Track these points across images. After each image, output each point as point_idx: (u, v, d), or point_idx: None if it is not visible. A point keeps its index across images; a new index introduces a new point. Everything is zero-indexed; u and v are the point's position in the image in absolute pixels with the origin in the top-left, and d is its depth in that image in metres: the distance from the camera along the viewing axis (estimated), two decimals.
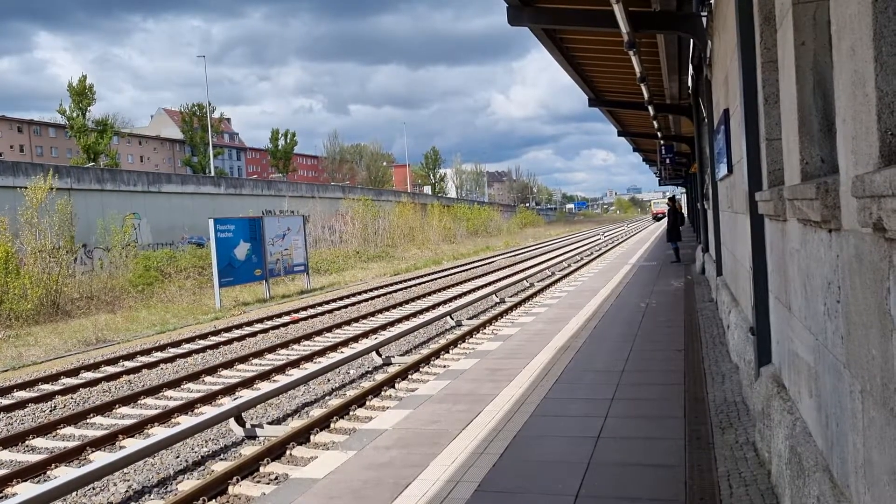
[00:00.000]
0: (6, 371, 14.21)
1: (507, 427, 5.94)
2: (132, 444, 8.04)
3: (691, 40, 10.67)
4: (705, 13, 9.35)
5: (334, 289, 28.06)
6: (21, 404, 11.04)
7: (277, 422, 9.52)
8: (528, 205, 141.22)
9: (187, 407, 10.19)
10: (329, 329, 16.68)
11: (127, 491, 7.32)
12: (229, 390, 10.99)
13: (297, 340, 15.30)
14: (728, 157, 8.04)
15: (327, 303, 22.60)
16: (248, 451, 8.19)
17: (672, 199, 25.56)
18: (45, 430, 9.58)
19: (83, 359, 14.89)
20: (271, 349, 14.42)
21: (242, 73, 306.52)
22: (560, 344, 9.59)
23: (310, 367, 11.97)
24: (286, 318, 19.12)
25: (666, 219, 64.89)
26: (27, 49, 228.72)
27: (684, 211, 42.80)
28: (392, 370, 11.74)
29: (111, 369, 13.58)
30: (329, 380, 11.61)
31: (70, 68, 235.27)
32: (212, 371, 12.66)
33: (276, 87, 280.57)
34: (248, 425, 8.95)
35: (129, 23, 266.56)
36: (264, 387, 10.86)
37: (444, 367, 11.34)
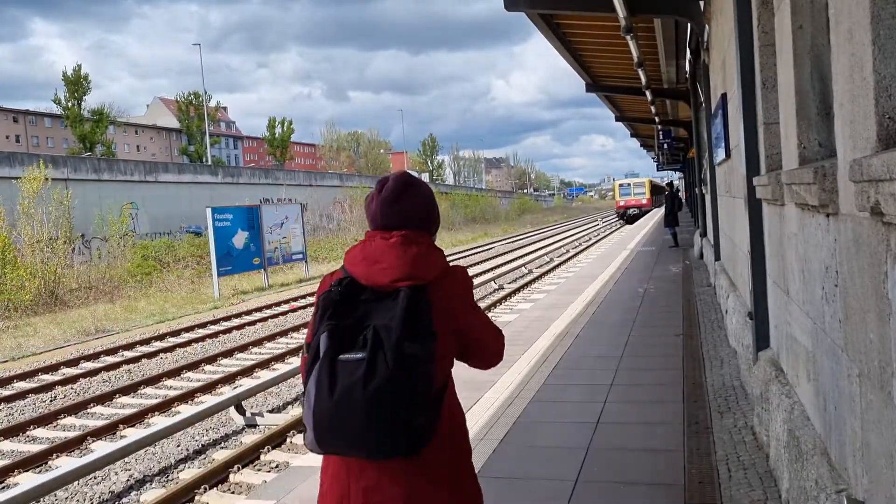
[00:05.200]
0: (6, 362, 14.22)
1: (506, 413, 5.96)
2: (133, 434, 8.07)
3: (689, 24, 10.61)
4: None
5: None
6: (21, 395, 11.06)
7: (278, 410, 9.55)
8: (526, 191, 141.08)
9: (187, 396, 10.22)
10: None
11: (128, 480, 7.35)
12: (229, 379, 11.02)
13: (296, 328, 15.32)
14: (726, 141, 8.01)
15: None
16: (249, 439, 8.22)
17: (670, 185, 25.51)
18: (45, 420, 9.61)
19: (83, 349, 14.91)
20: (270, 338, 14.44)
21: (240, 60, 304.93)
22: (559, 330, 9.60)
23: None
24: (285, 307, 19.13)
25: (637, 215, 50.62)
26: (21, 36, 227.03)
27: (682, 195, 42.60)
28: None
29: (111, 359, 13.60)
30: None
31: (65, 56, 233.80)
32: (211, 360, 12.69)
33: (273, 74, 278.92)
34: (248, 414, 8.98)
35: (124, 8, 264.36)
36: (264, 375, 10.89)
37: None
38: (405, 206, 2.20)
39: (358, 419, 1.93)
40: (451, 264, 2.23)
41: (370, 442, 1.97)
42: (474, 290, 2.35)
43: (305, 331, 12.13)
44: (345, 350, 1.99)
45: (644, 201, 57.40)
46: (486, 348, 2.28)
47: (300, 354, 2.20)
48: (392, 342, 1.95)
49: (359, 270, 2.12)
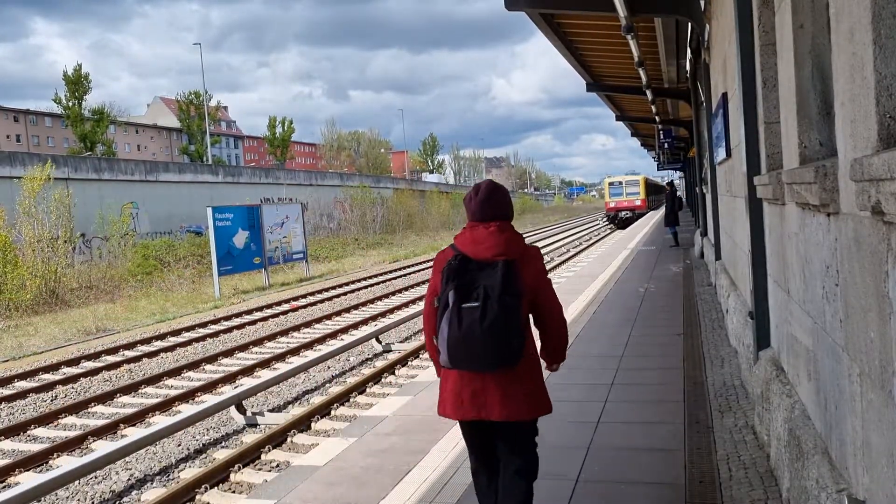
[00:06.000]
0: (7, 361, 14.23)
1: None
2: (134, 433, 8.07)
3: (689, 24, 10.61)
4: None
5: (333, 276, 28.08)
6: (22, 394, 11.07)
7: (278, 409, 9.55)
8: (526, 191, 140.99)
9: (188, 395, 10.22)
10: (329, 316, 16.71)
11: (129, 479, 7.35)
12: (230, 378, 11.01)
13: (296, 328, 15.32)
14: (726, 141, 8.01)
15: (326, 290, 22.62)
16: (250, 438, 8.22)
17: (671, 184, 25.50)
18: (46, 419, 9.61)
19: (83, 348, 14.91)
20: (271, 337, 14.44)
21: (241, 59, 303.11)
22: None
23: (310, 355, 12.00)
24: (286, 306, 19.14)
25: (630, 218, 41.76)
26: (22, 35, 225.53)
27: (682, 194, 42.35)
28: (392, 357, 11.77)
29: (111, 358, 13.61)
30: (329, 367, 11.64)
31: (66, 55, 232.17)
32: (212, 359, 12.69)
33: (274, 73, 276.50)
34: (248, 413, 8.98)
35: (125, 7, 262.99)
36: (265, 375, 10.89)
37: None
38: (494, 203, 3.30)
39: (477, 345, 3.04)
40: (529, 245, 3.33)
41: (485, 359, 3.08)
42: None
43: (306, 330, 12.01)
44: (465, 301, 3.09)
45: (638, 202, 48.54)
46: (552, 312, 3.37)
47: (426, 306, 3.38)
48: (496, 296, 3.05)
49: (468, 249, 3.22)
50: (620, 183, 49.75)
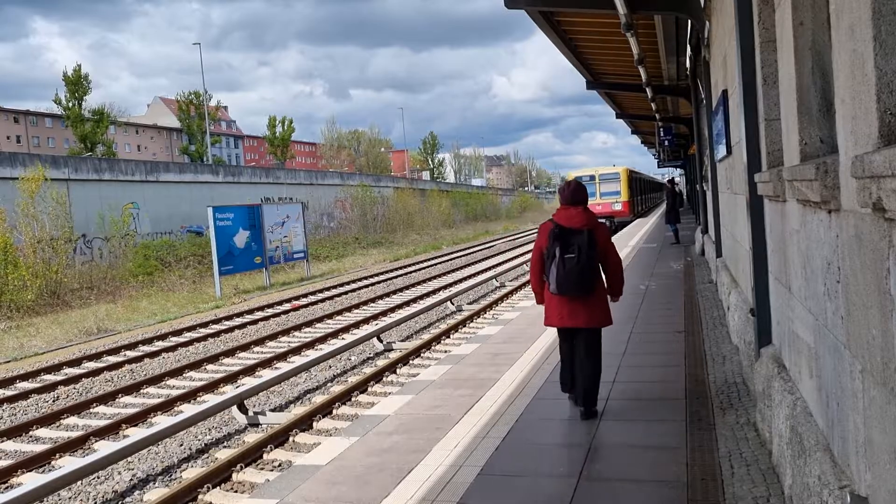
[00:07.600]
0: (8, 362, 14.24)
1: (508, 411, 5.96)
2: (136, 433, 8.08)
3: (689, 21, 10.59)
4: None
5: (334, 275, 28.09)
6: (24, 395, 11.08)
7: (280, 409, 9.56)
8: (526, 189, 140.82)
9: (190, 395, 10.23)
10: (330, 316, 16.71)
11: (131, 479, 7.36)
12: (231, 378, 11.02)
13: (298, 327, 15.33)
14: (727, 138, 8.00)
15: (327, 289, 22.63)
16: (252, 438, 8.23)
17: (671, 181, 25.49)
18: (48, 420, 9.63)
19: (85, 349, 14.93)
20: (272, 336, 14.45)
21: (241, 58, 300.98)
22: None
23: (311, 354, 12.01)
24: (287, 306, 19.15)
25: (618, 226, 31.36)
26: (22, 35, 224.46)
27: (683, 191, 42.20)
28: (393, 356, 11.77)
29: (113, 359, 13.62)
30: (331, 366, 11.64)
31: (66, 55, 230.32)
32: (213, 359, 12.70)
33: (275, 72, 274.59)
34: (250, 413, 8.99)
35: (125, 7, 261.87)
36: (266, 374, 10.90)
37: (445, 351, 11.37)
38: (579, 194, 5.65)
39: (575, 279, 5.38)
40: (600, 221, 5.66)
41: (579, 289, 5.42)
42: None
43: (307, 329, 12.07)
44: (565, 253, 5.38)
45: (618, 206, 34.74)
46: (614, 260, 5.70)
47: (534, 257, 5.78)
48: (585, 249, 5.38)
49: (563, 222, 5.51)
50: (592, 178, 34.56)
